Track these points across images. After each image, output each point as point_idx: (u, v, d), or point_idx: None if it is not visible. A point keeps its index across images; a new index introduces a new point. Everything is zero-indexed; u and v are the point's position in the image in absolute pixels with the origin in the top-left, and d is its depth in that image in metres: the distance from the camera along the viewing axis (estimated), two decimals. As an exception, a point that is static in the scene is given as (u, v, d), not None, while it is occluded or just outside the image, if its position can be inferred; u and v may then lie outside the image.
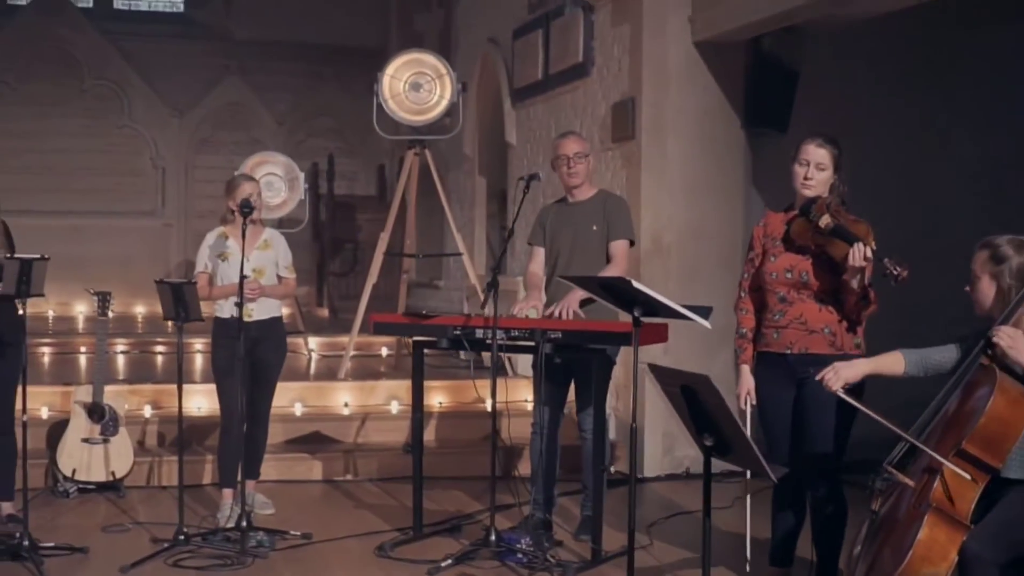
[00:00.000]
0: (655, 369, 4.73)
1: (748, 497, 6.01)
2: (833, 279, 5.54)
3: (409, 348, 8.20)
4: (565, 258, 7.10)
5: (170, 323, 7.14)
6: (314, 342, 11.99)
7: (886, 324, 5.90)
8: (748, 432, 5.72)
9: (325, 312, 15.17)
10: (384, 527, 7.42)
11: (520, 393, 9.12)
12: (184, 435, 7.51)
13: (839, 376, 4.88)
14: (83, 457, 8.18)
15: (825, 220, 5.46)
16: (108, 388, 8.35)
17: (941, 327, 5.28)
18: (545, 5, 11.24)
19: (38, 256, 6.55)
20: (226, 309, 7.36)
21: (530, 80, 11.63)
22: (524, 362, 8.99)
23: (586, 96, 10.32)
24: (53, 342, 11.99)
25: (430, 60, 10.33)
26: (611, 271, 6.81)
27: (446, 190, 10.99)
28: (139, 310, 14.94)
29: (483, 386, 6.77)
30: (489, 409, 6.84)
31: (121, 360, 11.53)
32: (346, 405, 9.64)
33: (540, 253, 7.29)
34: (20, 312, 6.80)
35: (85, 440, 8.19)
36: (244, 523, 6.84)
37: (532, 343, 6.68)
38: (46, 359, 11.51)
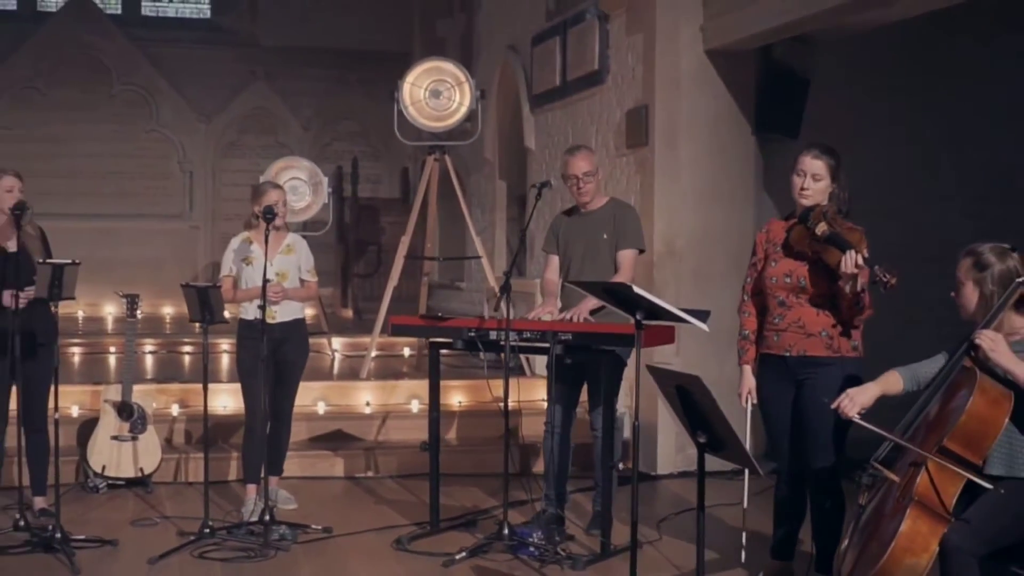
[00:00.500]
0: (652, 370, 4.94)
1: (745, 491, 6.19)
2: (829, 284, 5.72)
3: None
4: (577, 266, 7.31)
5: (196, 324, 7.32)
6: (338, 342, 12.07)
7: (883, 327, 6.09)
8: (748, 430, 5.96)
9: (349, 313, 15.21)
10: (402, 521, 7.59)
11: (537, 393, 9.27)
12: (210, 433, 7.68)
13: (855, 403, 5.06)
14: (112, 454, 8.33)
15: (821, 227, 5.65)
16: (137, 387, 8.49)
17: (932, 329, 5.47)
18: (563, 13, 11.40)
19: (69, 261, 6.78)
20: (250, 311, 7.50)
21: (548, 86, 11.80)
22: (541, 363, 9.17)
23: (601, 103, 10.47)
24: (83, 342, 12.06)
25: (449, 68, 10.49)
26: (617, 280, 6.95)
27: (466, 194, 11.11)
28: (167, 311, 15.06)
29: (497, 386, 6.92)
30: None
31: (149, 360, 11.66)
32: (368, 404, 9.76)
33: (554, 261, 7.49)
34: (53, 313, 7.00)
35: (115, 438, 8.34)
36: (267, 517, 7.01)
37: (544, 344, 6.89)
38: (76, 359, 11.58)
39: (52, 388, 7.01)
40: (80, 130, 16.87)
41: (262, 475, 7.42)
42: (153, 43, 17.48)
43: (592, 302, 6.83)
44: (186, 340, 12.21)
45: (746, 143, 9.45)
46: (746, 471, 5.66)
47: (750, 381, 6.10)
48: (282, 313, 7.58)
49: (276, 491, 7.80)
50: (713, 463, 4.98)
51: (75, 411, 8.96)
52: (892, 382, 5.14)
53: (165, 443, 8.83)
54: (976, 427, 4.59)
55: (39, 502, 7.50)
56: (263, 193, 7.64)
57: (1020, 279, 4.76)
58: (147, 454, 8.42)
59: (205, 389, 7.44)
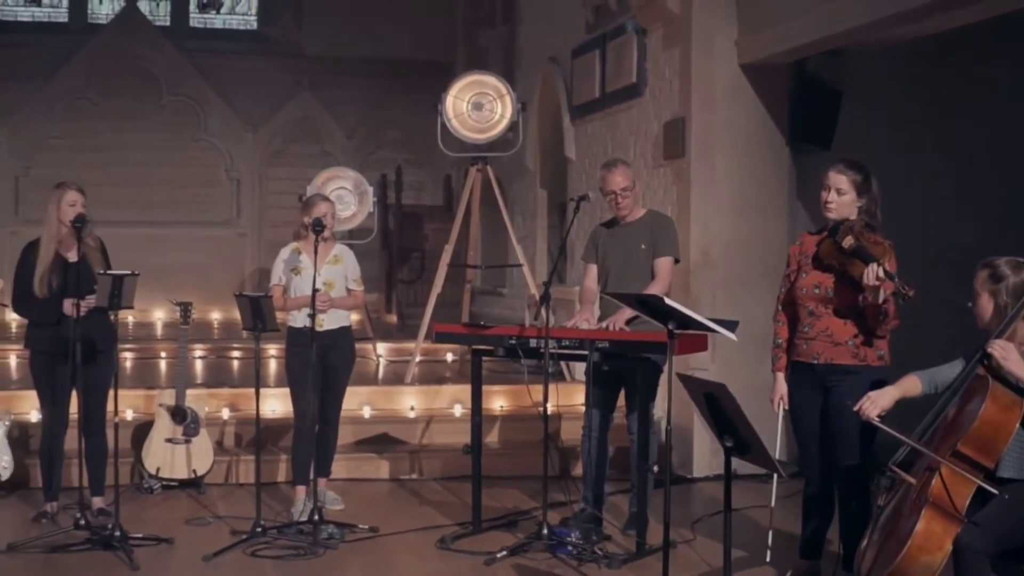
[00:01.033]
0: (683, 378, 5.19)
1: (773, 493, 6.36)
2: (855, 296, 5.93)
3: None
4: (616, 276, 7.53)
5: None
6: (382, 348, 12.21)
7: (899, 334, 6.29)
8: (780, 434, 6.17)
9: (393, 319, 15.32)
10: (445, 522, 7.80)
11: (576, 398, 9.39)
12: (260, 436, 7.91)
13: (876, 405, 5.32)
14: (167, 456, 8.56)
15: (848, 241, 5.88)
16: (189, 392, 8.72)
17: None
18: (602, 26, 11.57)
19: (129, 272, 7.07)
20: (299, 319, 7.71)
21: (588, 98, 11.96)
22: (580, 368, 9.31)
23: (640, 115, 10.64)
24: (134, 347, 12.21)
25: (491, 81, 10.73)
26: (654, 288, 7.16)
27: (508, 203, 11.27)
28: (215, 316, 15.18)
29: (537, 391, 7.11)
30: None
31: (199, 365, 11.84)
32: (412, 408, 9.93)
33: (593, 270, 7.71)
34: (112, 321, 7.27)
35: (169, 440, 8.58)
36: (316, 517, 7.23)
37: (582, 352, 7.13)
38: (128, 364, 11.69)
39: (110, 393, 7.25)
40: (130, 139, 17.00)
41: (311, 477, 7.64)
42: (201, 54, 17.58)
43: (628, 312, 7.07)
44: (235, 345, 12.37)
45: (780, 154, 9.61)
46: (774, 475, 5.86)
47: (782, 387, 6.34)
48: (329, 321, 7.77)
49: (324, 492, 7.99)
50: (747, 467, 5.18)
51: (129, 415, 9.14)
52: (911, 386, 5.39)
53: (216, 446, 9.03)
54: (988, 432, 4.82)
55: (97, 502, 7.74)
56: (313, 205, 7.84)
57: (1033, 291, 4.99)
58: (200, 456, 8.64)
59: (257, 394, 7.68)
